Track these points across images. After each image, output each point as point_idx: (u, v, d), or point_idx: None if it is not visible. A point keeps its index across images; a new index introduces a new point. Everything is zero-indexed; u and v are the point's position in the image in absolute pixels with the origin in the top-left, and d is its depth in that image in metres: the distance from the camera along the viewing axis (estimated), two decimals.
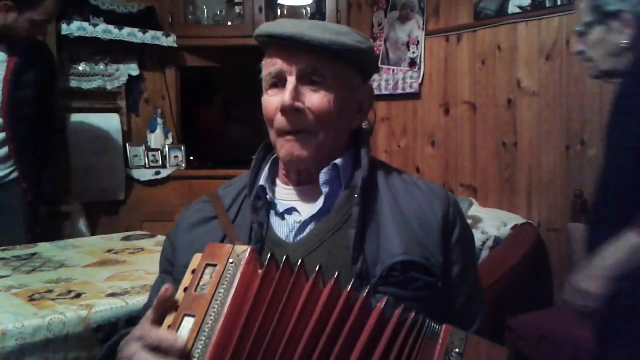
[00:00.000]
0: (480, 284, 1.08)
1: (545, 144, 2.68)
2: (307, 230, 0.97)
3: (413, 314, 0.78)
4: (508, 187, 2.83)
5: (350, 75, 0.99)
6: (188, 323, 0.74)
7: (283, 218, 0.99)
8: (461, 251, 0.99)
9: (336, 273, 0.77)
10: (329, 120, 0.95)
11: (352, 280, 0.78)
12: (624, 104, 1.38)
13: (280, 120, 0.95)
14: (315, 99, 0.94)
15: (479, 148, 2.95)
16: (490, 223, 2.62)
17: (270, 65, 0.97)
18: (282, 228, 0.98)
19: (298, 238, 0.96)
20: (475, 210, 2.69)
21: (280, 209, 0.99)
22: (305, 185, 1.01)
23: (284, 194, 1.02)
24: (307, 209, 0.98)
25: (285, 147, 0.96)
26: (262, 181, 1.00)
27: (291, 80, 0.94)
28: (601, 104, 2.49)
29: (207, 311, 0.74)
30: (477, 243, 2.52)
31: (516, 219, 2.67)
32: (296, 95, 0.94)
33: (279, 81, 0.96)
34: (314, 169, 0.98)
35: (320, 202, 0.97)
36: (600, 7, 1.49)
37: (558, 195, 2.65)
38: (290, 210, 0.99)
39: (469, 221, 2.55)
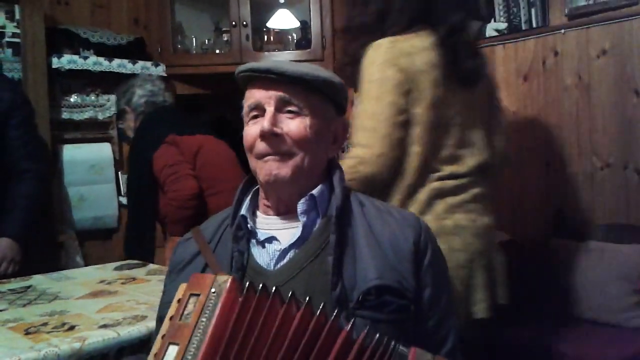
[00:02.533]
0: (453, 306, 1.13)
1: (527, 162, 2.76)
2: (287, 258, 1.02)
3: (377, 336, 0.83)
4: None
5: (324, 106, 1.06)
6: (172, 351, 0.79)
7: (264, 247, 1.04)
8: (433, 275, 1.05)
9: (307, 298, 0.83)
10: (306, 145, 1.02)
11: (322, 305, 0.83)
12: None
13: (260, 145, 1.02)
14: (292, 124, 1.02)
15: None
16: None
17: (250, 98, 1.04)
18: (263, 256, 1.03)
19: (278, 266, 1.01)
20: None
21: (261, 237, 1.04)
22: (284, 215, 1.06)
23: (265, 224, 1.07)
24: (286, 238, 1.03)
25: (265, 168, 1.02)
26: (243, 211, 1.06)
27: (269, 110, 1.01)
28: (577, 123, 2.58)
29: (190, 339, 0.78)
30: None
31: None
32: (275, 121, 1.01)
33: (258, 112, 1.03)
34: (294, 195, 1.04)
35: (299, 231, 1.02)
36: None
37: (540, 212, 2.72)
38: (271, 239, 1.04)
39: None
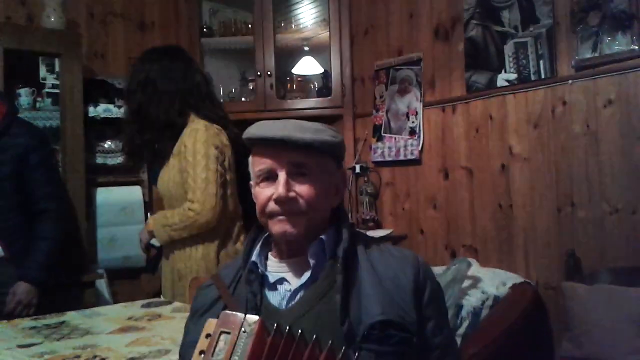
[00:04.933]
0: (453, 338, 1.23)
1: (538, 206, 2.84)
2: (298, 297, 1.11)
3: None
4: (506, 248, 2.97)
5: (327, 164, 1.17)
6: None
7: (275, 288, 1.14)
8: (433, 308, 1.14)
9: (330, 341, 0.91)
10: (315, 204, 1.12)
11: (330, 343, 0.91)
12: None
13: (273, 207, 1.12)
14: (304, 188, 1.12)
15: (477, 210, 3.11)
16: (490, 283, 2.74)
17: (261, 164, 1.14)
18: (275, 297, 1.13)
19: (290, 305, 1.11)
20: (475, 270, 2.81)
21: (272, 280, 1.15)
22: (294, 257, 1.16)
23: (275, 267, 1.18)
24: (296, 279, 1.14)
25: (277, 225, 1.12)
26: (254, 257, 1.17)
27: (282, 175, 1.11)
28: (587, 168, 2.66)
29: None
30: (477, 302, 2.64)
31: (515, 278, 2.79)
32: (288, 187, 1.11)
33: (270, 176, 1.13)
34: (303, 243, 1.14)
35: (308, 273, 1.12)
36: None
37: (553, 254, 2.78)
38: (281, 281, 1.15)
39: (470, 281, 2.72)
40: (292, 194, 1.11)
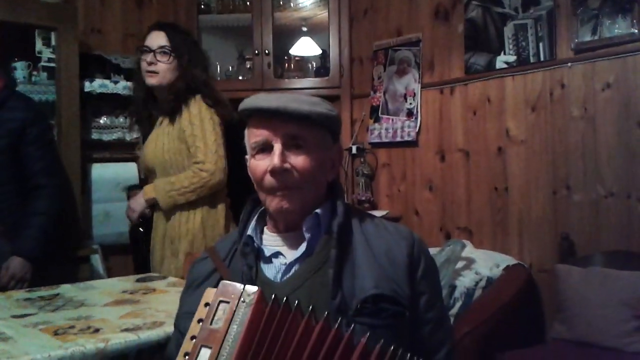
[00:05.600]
0: (447, 313, 1.24)
1: (534, 189, 2.84)
2: (292, 271, 1.12)
3: (392, 347, 0.91)
4: (501, 230, 2.98)
5: (324, 137, 1.16)
6: (205, 354, 0.86)
7: (270, 261, 1.15)
8: (427, 284, 1.14)
9: (325, 313, 0.91)
10: (311, 177, 1.12)
11: (326, 313, 0.92)
12: None
13: (269, 180, 1.11)
14: (299, 160, 1.11)
15: (473, 193, 3.11)
16: (484, 264, 2.76)
17: (257, 136, 1.13)
18: (270, 270, 1.14)
19: (285, 278, 1.12)
20: (468, 252, 2.83)
21: (267, 253, 1.15)
22: (290, 232, 1.17)
23: (271, 241, 1.18)
24: (291, 253, 1.14)
25: (275, 201, 1.12)
26: (249, 231, 1.17)
27: (277, 147, 1.10)
28: (583, 152, 2.66)
29: (222, 344, 0.86)
30: (471, 283, 2.66)
31: (508, 260, 2.81)
32: (283, 158, 1.10)
33: (265, 148, 1.13)
34: (299, 218, 1.14)
35: (303, 247, 1.12)
36: None
37: (547, 237, 2.79)
38: (277, 254, 1.15)
39: (463, 263, 2.73)
40: (287, 165, 1.10)
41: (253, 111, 1.13)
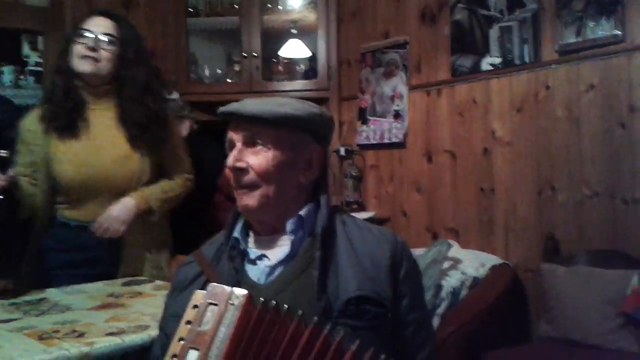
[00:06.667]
0: (429, 316, 1.25)
1: (519, 190, 2.87)
2: (277, 273, 1.12)
3: (383, 357, 0.91)
4: (487, 230, 3.01)
5: (292, 138, 1.15)
6: (193, 356, 0.86)
7: (255, 264, 1.16)
8: (409, 286, 1.15)
9: (315, 318, 0.92)
10: (268, 176, 1.12)
11: (315, 318, 0.93)
12: None
13: (232, 177, 1.15)
14: (254, 158, 1.12)
15: (460, 193, 3.14)
16: (470, 264, 2.78)
17: (227, 135, 1.17)
18: (255, 272, 1.14)
19: (269, 280, 1.12)
20: (455, 252, 2.85)
21: (252, 256, 1.16)
22: (274, 234, 1.18)
23: (256, 243, 1.19)
24: (275, 255, 1.14)
25: (238, 199, 1.15)
26: (235, 233, 1.18)
27: (237, 146, 1.14)
28: (568, 153, 2.69)
29: (210, 346, 0.86)
30: (457, 283, 2.68)
31: (494, 260, 2.84)
32: (239, 157, 1.13)
33: (232, 147, 1.16)
34: (271, 219, 1.15)
35: (287, 249, 1.13)
36: None
37: (532, 237, 2.82)
38: (261, 257, 1.16)
39: (450, 263, 2.75)
40: (240, 164, 1.13)
41: (224, 115, 1.16)
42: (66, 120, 2.10)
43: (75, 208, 2.14)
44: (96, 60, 2.08)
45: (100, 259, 2.14)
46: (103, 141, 2.10)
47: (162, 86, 2.30)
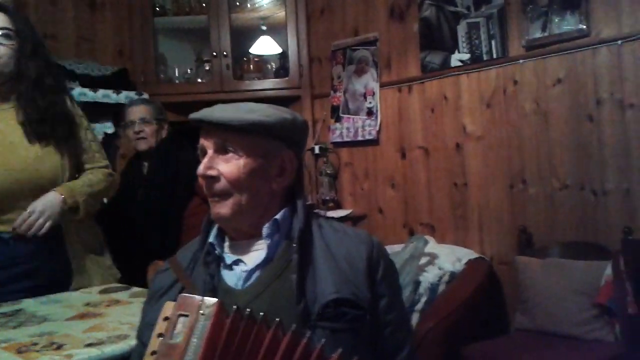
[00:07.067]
0: (407, 315, 1.26)
1: (492, 184, 2.91)
2: (253, 277, 1.12)
3: None
4: (461, 225, 3.05)
5: (263, 145, 1.13)
6: None
7: (231, 269, 1.15)
8: (386, 286, 1.16)
9: (293, 325, 0.92)
10: (239, 183, 1.11)
11: (294, 325, 0.92)
12: None
13: (204, 184, 1.13)
14: (225, 166, 1.11)
15: (434, 189, 3.17)
16: (446, 259, 2.81)
17: (199, 142, 1.16)
18: (232, 277, 1.14)
19: (246, 285, 1.12)
20: (431, 247, 2.88)
21: (228, 261, 1.15)
22: (250, 238, 1.17)
23: (232, 248, 1.18)
24: (252, 259, 1.14)
25: (212, 207, 1.14)
26: (211, 238, 1.17)
27: (209, 153, 1.12)
28: (537, 146, 2.74)
29: (182, 359, 0.84)
30: (434, 279, 2.71)
31: (470, 254, 2.88)
32: (210, 164, 1.11)
33: (204, 154, 1.14)
34: (245, 226, 1.15)
35: (263, 253, 1.13)
36: None
37: (506, 230, 2.87)
38: (237, 262, 1.15)
39: (427, 258, 2.78)
40: (211, 172, 1.11)
41: (194, 122, 1.15)
42: None
43: None
44: None
45: (38, 270, 2.00)
46: (14, 143, 1.96)
47: (57, 81, 2.11)
